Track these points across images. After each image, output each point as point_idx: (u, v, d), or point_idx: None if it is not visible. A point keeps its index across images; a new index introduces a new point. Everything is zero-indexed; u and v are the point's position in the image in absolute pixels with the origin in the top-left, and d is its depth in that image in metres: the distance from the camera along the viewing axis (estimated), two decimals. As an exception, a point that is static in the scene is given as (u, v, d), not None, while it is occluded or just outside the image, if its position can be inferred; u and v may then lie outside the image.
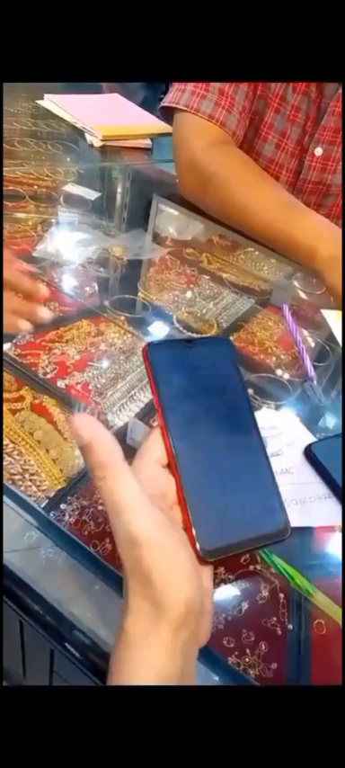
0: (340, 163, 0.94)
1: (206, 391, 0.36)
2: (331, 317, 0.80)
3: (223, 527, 0.34)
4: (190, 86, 0.87)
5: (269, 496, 0.35)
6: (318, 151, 0.93)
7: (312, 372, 0.68)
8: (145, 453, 0.34)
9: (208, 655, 0.39)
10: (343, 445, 0.55)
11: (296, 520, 0.46)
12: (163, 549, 0.30)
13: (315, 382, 0.67)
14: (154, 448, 0.34)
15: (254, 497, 0.35)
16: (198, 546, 0.33)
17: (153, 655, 0.29)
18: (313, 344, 0.77)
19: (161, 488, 0.33)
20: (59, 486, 0.48)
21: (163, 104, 0.93)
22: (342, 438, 0.56)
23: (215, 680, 0.39)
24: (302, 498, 0.50)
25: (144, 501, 0.31)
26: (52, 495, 0.48)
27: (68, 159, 1.04)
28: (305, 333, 0.78)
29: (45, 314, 0.49)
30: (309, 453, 0.54)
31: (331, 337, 0.77)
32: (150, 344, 0.36)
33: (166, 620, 0.29)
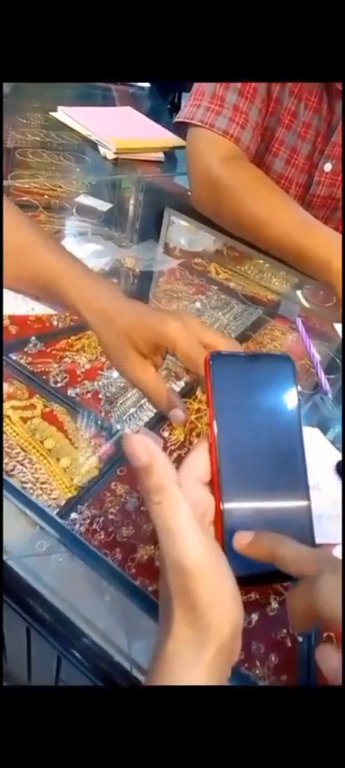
0: None
1: (260, 413, 0.35)
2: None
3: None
4: (204, 102, 0.88)
5: (303, 529, 0.34)
6: (327, 167, 0.94)
7: (326, 386, 0.68)
8: (187, 470, 0.34)
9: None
10: (344, 449, 0.55)
11: (325, 536, 0.46)
12: (210, 578, 0.30)
13: (330, 395, 0.67)
14: (196, 465, 0.34)
15: (290, 529, 0.34)
16: None
17: (194, 677, 0.30)
18: (320, 357, 0.77)
19: (201, 508, 0.33)
20: (70, 495, 0.49)
21: (177, 119, 0.94)
22: (342, 442, 0.56)
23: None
24: (330, 514, 0.50)
25: (195, 529, 0.31)
26: (63, 503, 0.48)
27: (80, 171, 1.05)
28: (314, 344, 0.78)
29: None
30: (342, 468, 0.54)
31: (340, 349, 0.77)
32: (214, 355, 0.35)
33: (210, 644, 0.30)
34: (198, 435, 0.58)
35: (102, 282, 0.51)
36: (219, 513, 0.33)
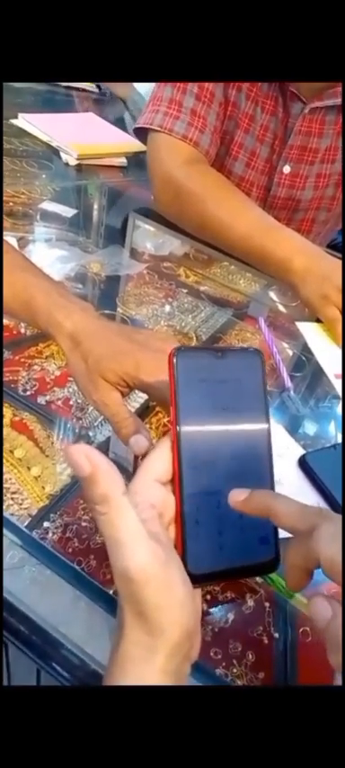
0: (309, 180, 0.97)
1: (225, 410, 0.34)
2: (306, 329, 0.81)
3: (216, 554, 0.33)
4: (163, 108, 0.89)
5: (265, 526, 0.34)
6: (286, 169, 0.96)
7: (289, 383, 0.69)
8: (145, 471, 0.34)
9: (197, 668, 0.39)
10: (344, 456, 0.55)
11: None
12: (158, 584, 0.30)
13: (292, 393, 0.68)
14: (155, 465, 0.34)
15: (251, 526, 0.33)
16: (188, 570, 0.32)
17: (147, 678, 0.30)
18: (291, 354, 0.78)
19: (158, 508, 0.33)
20: (42, 504, 0.48)
21: (137, 125, 0.95)
22: (343, 449, 0.57)
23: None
24: None
25: (142, 536, 0.30)
26: (35, 512, 0.47)
27: (44, 177, 1.04)
28: (284, 344, 0.79)
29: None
30: (304, 463, 0.54)
31: (307, 348, 0.79)
32: (178, 350, 0.34)
33: (161, 648, 0.30)
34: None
35: (76, 304, 0.48)
36: (180, 512, 0.33)
